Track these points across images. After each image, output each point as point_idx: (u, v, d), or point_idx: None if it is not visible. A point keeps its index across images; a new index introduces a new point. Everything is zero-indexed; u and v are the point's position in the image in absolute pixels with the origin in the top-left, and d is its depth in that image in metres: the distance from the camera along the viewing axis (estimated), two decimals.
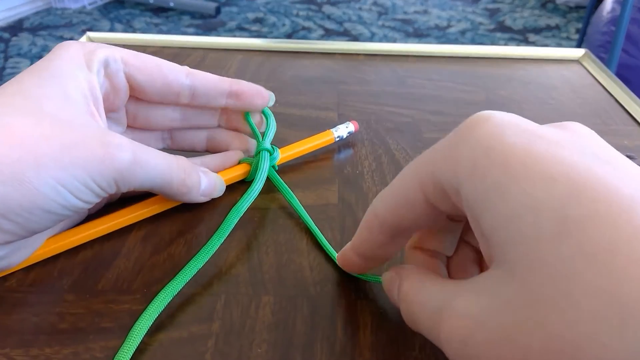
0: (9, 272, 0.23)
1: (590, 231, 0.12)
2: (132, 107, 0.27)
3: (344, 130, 0.33)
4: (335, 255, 0.24)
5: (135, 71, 0.25)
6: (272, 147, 0.29)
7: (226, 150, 0.30)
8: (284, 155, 0.30)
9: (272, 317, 0.22)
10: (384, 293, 0.22)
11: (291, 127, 0.35)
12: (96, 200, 0.22)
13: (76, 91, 0.22)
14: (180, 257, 0.24)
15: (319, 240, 0.25)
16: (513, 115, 0.16)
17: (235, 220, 0.25)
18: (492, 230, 0.14)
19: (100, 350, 0.20)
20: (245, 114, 0.30)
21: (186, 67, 0.27)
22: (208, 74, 0.28)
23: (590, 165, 0.13)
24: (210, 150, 0.30)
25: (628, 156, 0.34)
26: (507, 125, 0.15)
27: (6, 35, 1.91)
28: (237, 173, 0.29)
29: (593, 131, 0.16)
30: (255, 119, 0.30)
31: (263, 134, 0.30)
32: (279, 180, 0.29)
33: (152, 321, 0.20)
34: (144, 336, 0.20)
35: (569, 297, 0.12)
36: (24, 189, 0.19)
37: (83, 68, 0.23)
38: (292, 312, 0.22)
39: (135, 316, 0.21)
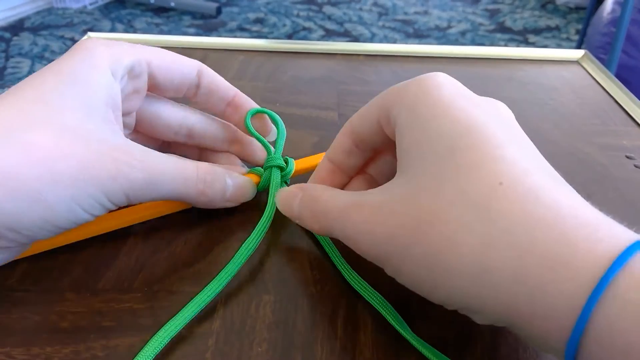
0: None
1: (467, 156, 0.17)
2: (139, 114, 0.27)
3: None
4: (336, 256, 0.24)
5: (157, 70, 0.25)
6: (284, 159, 0.27)
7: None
8: (300, 167, 0.28)
9: (272, 316, 0.22)
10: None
11: (291, 126, 0.35)
12: (104, 212, 0.22)
13: (98, 101, 0.21)
14: (181, 257, 0.24)
15: (321, 241, 0.25)
16: (456, 81, 0.21)
17: (249, 254, 0.23)
18: (408, 147, 0.19)
19: (101, 349, 0.20)
20: (246, 122, 0.28)
21: (198, 63, 0.27)
22: (218, 78, 0.27)
23: (489, 122, 0.18)
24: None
25: (627, 157, 0.34)
26: (447, 83, 0.20)
27: (7, 34, 1.91)
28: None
29: (512, 114, 0.21)
30: (262, 125, 0.28)
31: (274, 145, 0.28)
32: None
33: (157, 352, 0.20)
34: (145, 334, 0.20)
35: (441, 188, 0.17)
36: (39, 206, 0.19)
37: (107, 75, 0.22)
38: (292, 311, 0.22)
39: (137, 315, 0.21)
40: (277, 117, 0.28)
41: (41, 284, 0.23)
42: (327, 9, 2.27)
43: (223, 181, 0.25)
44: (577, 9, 2.24)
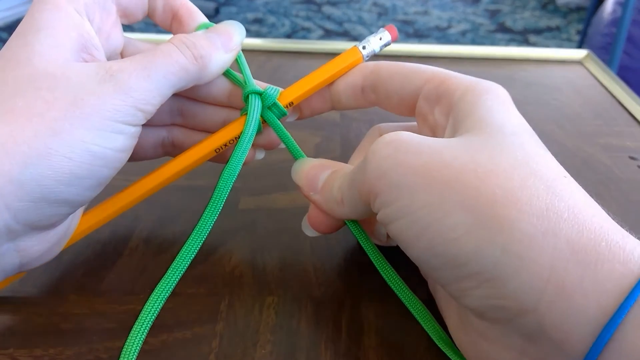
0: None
1: (533, 144, 0.19)
2: None
3: (375, 43, 0.25)
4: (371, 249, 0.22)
5: None
6: (269, 88, 0.24)
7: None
8: (299, 92, 0.25)
9: (276, 318, 0.22)
10: (388, 294, 0.22)
11: (293, 128, 0.35)
12: (132, 141, 0.20)
13: (68, 41, 0.20)
14: None
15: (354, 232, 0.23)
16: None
17: (230, 184, 0.22)
18: (471, 122, 0.19)
19: (104, 350, 0.20)
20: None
21: None
22: None
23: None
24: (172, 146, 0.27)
25: (630, 157, 0.34)
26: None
27: (5, 35, 1.91)
28: (237, 124, 0.24)
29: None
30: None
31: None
32: (277, 124, 0.24)
33: (161, 305, 0.19)
34: (148, 336, 0.20)
35: (506, 154, 0.17)
36: (55, 163, 0.17)
37: (71, 14, 0.20)
38: (296, 313, 0.22)
39: None
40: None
41: (44, 285, 0.23)
42: (327, 9, 2.27)
43: (201, 35, 0.22)
44: (578, 9, 2.24)
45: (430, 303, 0.22)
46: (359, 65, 0.24)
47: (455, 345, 0.20)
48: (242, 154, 0.23)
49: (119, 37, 0.23)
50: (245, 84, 0.24)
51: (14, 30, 0.20)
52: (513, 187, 0.16)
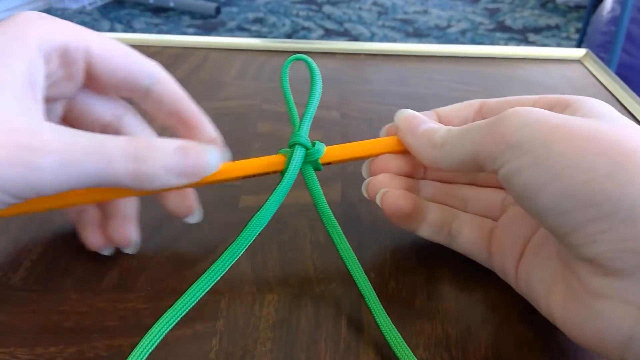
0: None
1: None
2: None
3: None
4: (351, 258, 0.22)
5: (97, 60, 0.21)
6: (314, 142, 0.23)
7: None
8: (341, 157, 0.24)
9: (276, 316, 0.22)
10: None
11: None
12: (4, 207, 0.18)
13: (12, 75, 0.18)
14: (185, 256, 0.24)
15: (335, 242, 0.23)
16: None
17: (259, 229, 0.22)
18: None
19: (105, 348, 0.20)
20: (282, 77, 0.25)
21: (157, 68, 0.23)
22: (177, 91, 0.24)
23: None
24: None
25: None
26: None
27: None
28: (273, 161, 0.23)
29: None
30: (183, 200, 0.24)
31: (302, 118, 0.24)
32: (314, 183, 0.24)
33: (164, 333, 0.19)
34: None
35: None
36: None
37: (31, 49, 0.19)
38: (296, 311, 0.22)
39: (140, 314, 0.21)
40: (316, 70, 0.25)
41: (44, 283, 0.23)
42: (327, 9, 2.27)
43: (163, 150, 0.19)
44: (577, 7, 2.24)
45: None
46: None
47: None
48: (275, 204, 0.22)
49: (65, 91, 0.22)
50: (298, 129, 0.23)
51: None
52: None
